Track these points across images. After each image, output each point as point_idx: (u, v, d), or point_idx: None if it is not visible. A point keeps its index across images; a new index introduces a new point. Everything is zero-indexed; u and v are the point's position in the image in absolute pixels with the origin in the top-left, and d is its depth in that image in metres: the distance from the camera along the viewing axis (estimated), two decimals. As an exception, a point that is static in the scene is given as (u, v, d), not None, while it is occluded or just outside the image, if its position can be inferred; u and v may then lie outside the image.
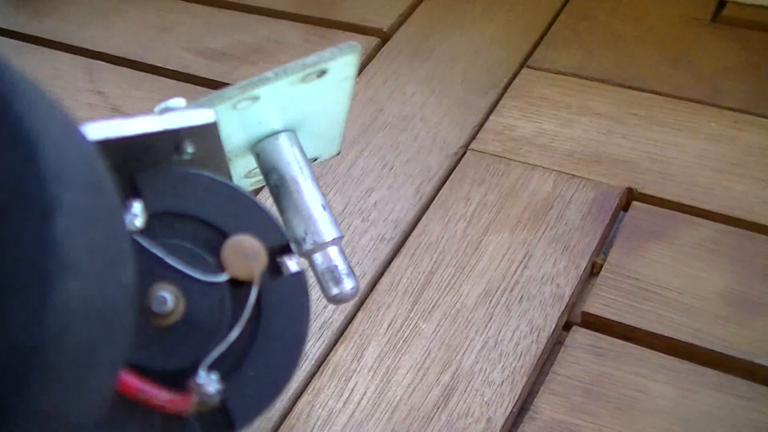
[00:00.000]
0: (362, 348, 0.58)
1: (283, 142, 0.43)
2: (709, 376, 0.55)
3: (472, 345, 0.57)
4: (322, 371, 0.57)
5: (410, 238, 0.64)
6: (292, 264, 0.35)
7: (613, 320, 0.58)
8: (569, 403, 0.54)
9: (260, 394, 0.33)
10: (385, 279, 0.61)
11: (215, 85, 0.38)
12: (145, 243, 0.31)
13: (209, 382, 0.31)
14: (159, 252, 0.31)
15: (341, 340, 0.58)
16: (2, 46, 0.84)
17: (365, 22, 0.82)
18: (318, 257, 0.42)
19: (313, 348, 0.57)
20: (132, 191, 0.33)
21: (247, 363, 0.33)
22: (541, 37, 0.79)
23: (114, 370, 0.22)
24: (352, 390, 0.56)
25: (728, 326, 0.57)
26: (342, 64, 0.41)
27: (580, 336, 0.57)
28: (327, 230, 0.42)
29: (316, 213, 0.42)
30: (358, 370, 0.57)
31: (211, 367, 0.32)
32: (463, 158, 0.69)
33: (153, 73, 0.77)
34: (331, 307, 0.59)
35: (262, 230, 0.34)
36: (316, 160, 0.52)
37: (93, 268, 0.19)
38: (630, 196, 0.66)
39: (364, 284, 0.61)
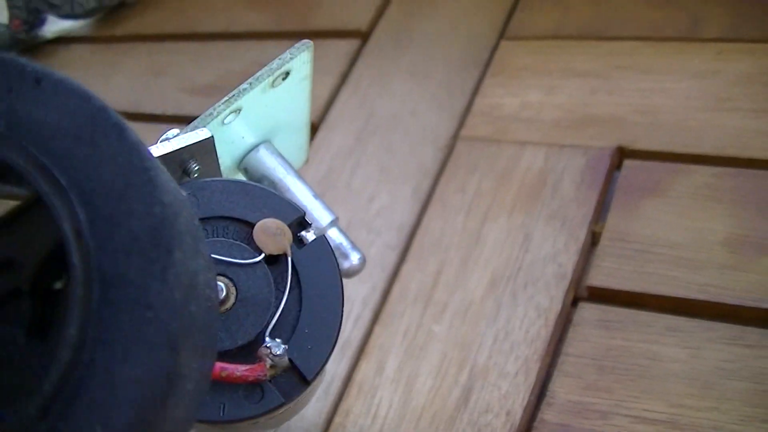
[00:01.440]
0: (382, 361, 0.60)
1: (263, 153, 0.48)
2: (718, 330, 0.55)
3: (484, 340, 0.59)
4: (349, 391, 0.59)
5: (414, 241, 0.65)
6: (311, 234, 0.40)
7: (618, 289, 0.59)
8: (583, 382, 0.56)
9: (319, 346, 0.37)
10: (396, 288, 0.63)
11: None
12: None
13: (276, 345, 0.36)
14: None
15: (362, 356, 0.60)
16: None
17: (343, 25, 0.83)
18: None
19: (338, 369, 0.60)
20: None
21: (301, 322, 0.37)
22: (516, 3, 0.79)
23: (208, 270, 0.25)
24: (378, 405, 0.58)
25: (735, 274, 0.58)
26: (300, 62, 0.45)
27: (587, 312, 0.58)
28: (323, 216, 0.47)
29: (311, 203, 0.46)
30: (381, 384, 0.59)
31: (273, 335, 0.37)
32: (455, 148, 0.70)
33: (154, 121, 0.80)
34: (350, 326, 0.62)
35: (281, 211, 0.38)
36: None
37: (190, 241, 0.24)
38: (621, 155, 0.66)
39: (376, 297, 0.63)
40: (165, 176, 0.25)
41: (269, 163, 0.48)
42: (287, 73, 0.45)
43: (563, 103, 0.70)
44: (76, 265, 0.23)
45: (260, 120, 0.47)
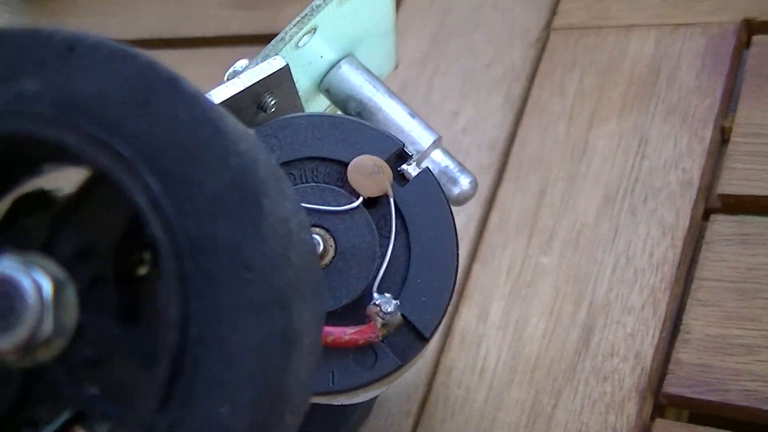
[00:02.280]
0: (486, 305, 0.53)
1: (347, 69, 0.43)
2: None
3: (602, 269, 0.51)
4: (450, 344, 0.52)
5: (510, 159, 0.58)
6: (413, 167, 0.36)
7: (757, 195, 0.50)
8: (723, 311, 0.47)
9: (435, 297, 0.34)
10: (494, 216, 0.56)
11: (263, 39, 0.38)
12: None
13: (386, 301, 0.33)
14: None
15: (462, 301, 0.53)
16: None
17: None
18: (426, 164, 0.41)
19: None
20: None
21: (411, 272, 0.34)
22: None
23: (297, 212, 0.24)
24: (485, 357, 0.51)
25: None
26: None
27: (720, 225, 0.50)
28: (423, 136, 0.42)
29: (407, 123, 0.42)
30: (485, 332, 0.52)
31: (381, 290, 0.34)
32: (548, 42, 0.61)
33: (195, 46, 0.73)
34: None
35: (376, 145, 0.36)
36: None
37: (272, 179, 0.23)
38: (749, 30, 0.56)
39: (471, 229, 0.56)
40: (232, 123, 0.23)
41: (354, 80, 0.43)
42: None
43: (672, -27, 0.59)
44: (161, 238, 0.22)
45: (339, 34, 0.42)
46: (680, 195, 0.51)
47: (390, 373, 0.34)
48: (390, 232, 0.35)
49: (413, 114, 0.42)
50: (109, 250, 0.24)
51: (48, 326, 0.22)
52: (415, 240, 0.35)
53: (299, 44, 0.40)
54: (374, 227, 0.35)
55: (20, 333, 0.21)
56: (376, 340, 0.34)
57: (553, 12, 0.62)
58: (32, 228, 0.25)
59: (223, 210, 0.22)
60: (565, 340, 0.50)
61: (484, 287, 0.53)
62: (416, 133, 0.42)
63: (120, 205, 0.23)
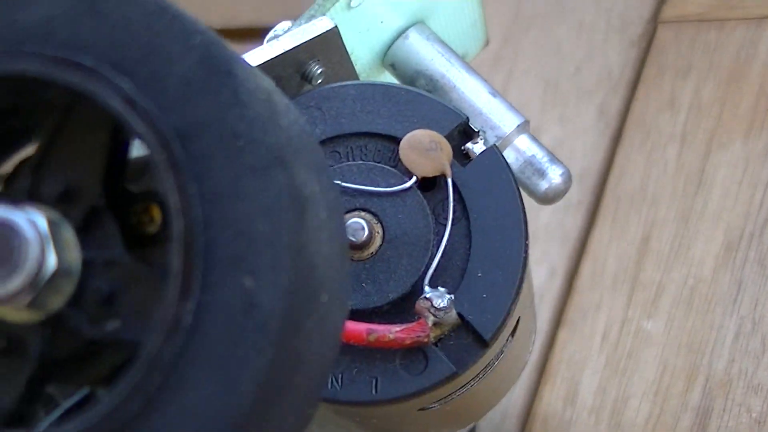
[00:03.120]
0: (575, 383, 0.45)
1: (415, 38, 0.40)
2: None
3: (720, 336, 0.45)
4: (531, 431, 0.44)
5: (606, 193, 0.49)
6: (479, 145, 0.34)
7: None
8: None
9: (497, 295, 0.31)
10: (585, 266, 0.48)
11: None
12: None
13: (438, 296, 0.30)
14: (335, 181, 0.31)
15: (544, 378, 0.47)
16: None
17: None
18: (508, 155, 0.38)
19: (510, 397, 0.44)
20: None
21: (471, 265, 0.32)
22: None
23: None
24: (574, 451, 0.42)
25: None
26: None
27: None
28: (507, 118, 0.38)
29: (487, 103, 0.38)
30: (575, 417, 0.45)
31: (434, 283, 0.31)
32: (655, 38, 0.52)
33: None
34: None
35: (435, 119, 0.33)
36: (465, 56, 0.44)
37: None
38: None
39: (556, 284, 0.48)
40: (186, 13, 0.23)
41: (424, 52, 0.39)
42: None
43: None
44: (143, 132, 0.22)
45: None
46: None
47: (443, 382, 0.31)
48: (447, 218, 0.32)
49: (495, 93, 0.39)
50: (96, 183, 0.24)
51: (51, 261, 0.22)
52: (477, 228, 0.32)
53: (352, 4, 0.38)
54: (429, 212, 0.32)
55: (27, 269, 0.22)
56: (427, 341, 0.31)
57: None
58: (16, 181, 0.25)
59: (198, 89, 0.22)
60: (675, 427, 0.43)
61: (572, 360, 0.45)
62: (497, 116, 0.38)
63: (96, 132, 0.24)
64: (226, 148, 0.22)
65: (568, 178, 0.38)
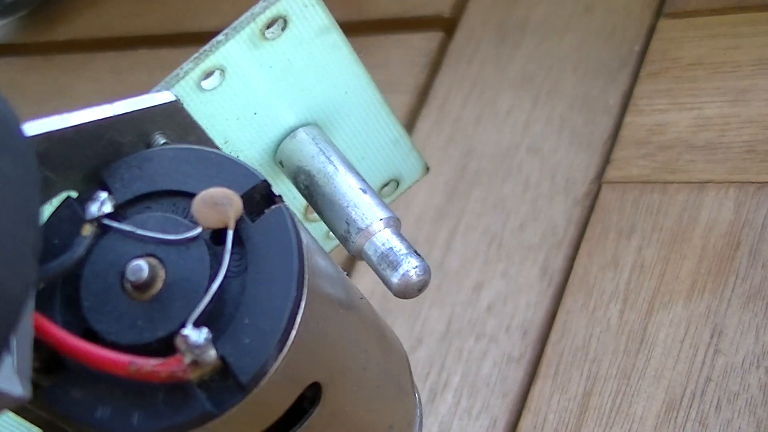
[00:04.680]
0: None
1: (303, 137, 0.41)
2: None
3: None
4: None
5: (548, 348, 0.47)
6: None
7: None
8: None
9: (260, 340, 0.32)
10: (526, 420, 0.45)
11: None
12: (113, 224, 0.33)
13: (195, 333, 0.31)
14: (128, 227, 0.33)
15: None
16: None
17: (415, 10, 0.64)
18: (368, 248, 0.38)
19: None
20: (99, 184, 0.35)
21: (241, 312, 0.32)
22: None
23: None
24: None
25: None
26: (299, 5, 0.39)
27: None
28: (370, 212, 0.38)
29: (354, 199, 0.39)
30: None
31: (203, 325, 0.31)
32: (599, 198, 0.51)
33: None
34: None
35: (235, 180, 0.34)
36: (397, 186, 0.45)
37: None
38: None
39: None
40: None
41: (308, 149, 0.40)
42: (284, 22, 0.39)
43: (758, 116, 0.50)
44: None
45: (282, 94, 0.40)
46: (763, 402, 0.41)
47: (199, 419, 0.31)
48: (220, 267, 0.32)
49: (367, 190, 0.39)
50: None
51: None
52: (252, 280, 0.33)
53: (203, 85, 0.38)
54: (208, 260, 0.33)
55: None
56: (185, 377, 0.31)
57: (606, 160, 0.52)
58: None
59: None
60: None
61: None
62: (363, 209, 0.39)
63: None
64: None
65: (422, 272, 0.37)
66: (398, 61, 0.62)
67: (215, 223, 0.33)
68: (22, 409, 0.32)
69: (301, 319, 0.32)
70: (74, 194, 0.33)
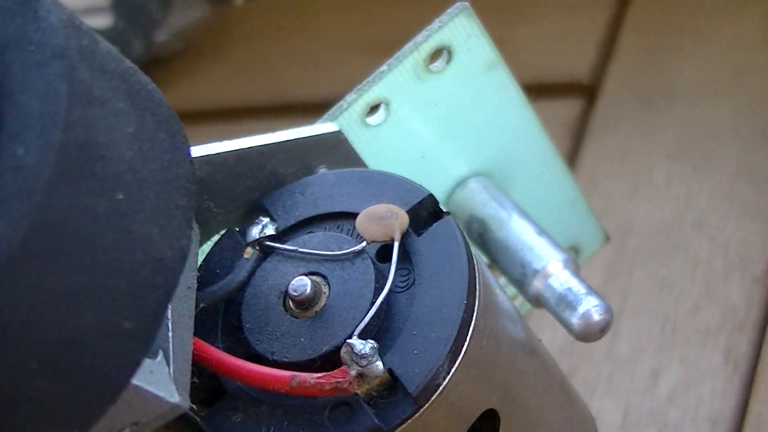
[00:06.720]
0: None
1: (474, 186, 0.41)
2: None
3: None
4: None
5: None
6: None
7: None
8: None
9: (428, 349, 0.31)
10: None
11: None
12: (276, 244, 0.33)
13: (361, 342, 0.30)
14: (290, 246, 0.33)
15: None
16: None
17: (552, 77, 0.62)
18: (545, 290, 0.38)
19: None
20: (260, 212, 0.35)
21: (409, 326, 0.32)
22: None
23: None
24: None
25: None
26: (462, 34, 0.38)
27: None
28: (546, 253, 0.38)
29: (529, 241, 0.39)
30: None
31: (367, 338, 0.31)
32: None
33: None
34: None
35: (400, 196, 0.34)
36: (577, 253, 0.44)
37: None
38: None
39: None
40: None
41: (479, 198, 0.40)
42: (449, 54, 0.38)
43: None
44: None
45: (446, 133, 0.40)
46: None
47: None
48: (387, 279, 0.33)
49: (542, 232, 0.39)
50: None
51: None
52: (421, 292, 0.33)
53: (368, 121, 0.38)
54: (373, 275, 0.33)
55: None
56: (350, 389, 0.31)
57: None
58: None
59: (3, 13, 0.25)
60: None
61: None
62: (539, 250, 0.38)
63: None
64: (22, 54, 0.24)
65: (604, 311, 0.36)
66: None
67: (380, 236, 0.33)
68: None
69: (474, 329, 0.31)
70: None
